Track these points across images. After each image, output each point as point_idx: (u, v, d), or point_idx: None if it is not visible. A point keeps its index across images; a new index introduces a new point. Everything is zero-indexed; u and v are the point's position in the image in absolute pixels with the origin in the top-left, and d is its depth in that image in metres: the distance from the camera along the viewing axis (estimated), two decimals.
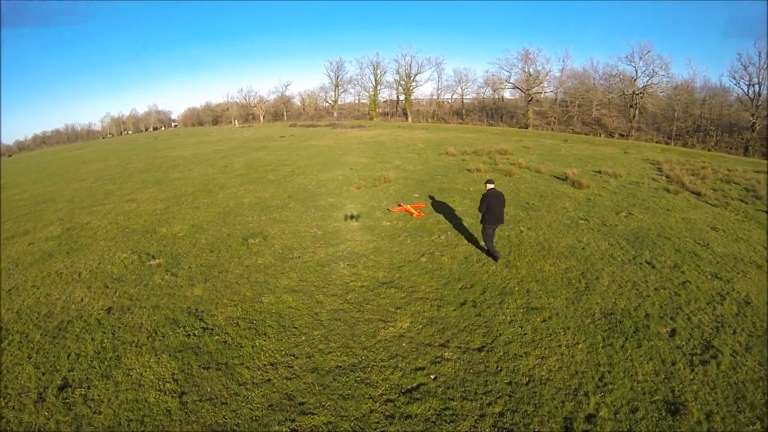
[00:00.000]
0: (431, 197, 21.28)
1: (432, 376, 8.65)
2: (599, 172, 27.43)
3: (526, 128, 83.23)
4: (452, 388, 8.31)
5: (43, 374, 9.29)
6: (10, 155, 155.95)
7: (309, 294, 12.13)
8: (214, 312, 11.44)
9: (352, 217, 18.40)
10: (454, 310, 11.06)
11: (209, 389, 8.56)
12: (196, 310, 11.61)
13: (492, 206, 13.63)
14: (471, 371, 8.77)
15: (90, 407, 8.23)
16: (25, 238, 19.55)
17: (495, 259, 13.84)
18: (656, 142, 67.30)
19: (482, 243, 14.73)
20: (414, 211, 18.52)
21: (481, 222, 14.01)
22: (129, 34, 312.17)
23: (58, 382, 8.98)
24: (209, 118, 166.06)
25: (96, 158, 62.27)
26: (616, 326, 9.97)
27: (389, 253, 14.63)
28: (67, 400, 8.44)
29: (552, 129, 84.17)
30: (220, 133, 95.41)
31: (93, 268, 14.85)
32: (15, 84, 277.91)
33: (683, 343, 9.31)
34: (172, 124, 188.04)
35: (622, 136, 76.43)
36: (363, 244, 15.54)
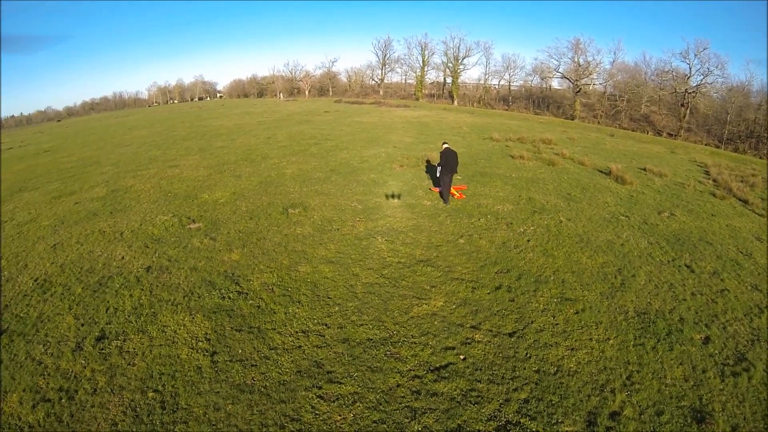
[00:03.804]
0: (473, 180, 20.96)
1: (461, 357, 8.59)
2: (644, 169, 26.50)
3: (572, 120, 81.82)
4: (480, 370, 8.25)
5: (82, 325, 9.53)
6: (59, 120, 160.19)
7: (345, 266, 12.12)
8: (250, 277, 11.53)
9: (393, 196, 18.28)
10: (489, 293, 10.92)
11: (240, 351, 8.65)
12: (233, 274, 11.72)
13: (448, 160, 17.25)
14: (500, 355, 8.68)
15: (125, 359, 8.42)
16: (71, 197, 20.12)
17: (445, 202, 17.52)
18: (705, 145, 65.00)
19: (436, 191, 18.79)
20: (456, 193, 18.39)
21: (439, 172, 17.56)
22: (179, 5, 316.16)
23: (96, 334, 9.20)
24: (254, 90, 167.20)
25: (141, 125, 63.59)
26: (649, 326, 9.70)
27: (428, 232, 14.50)
28: (103, 351, 8.65)
29: (598, 122, 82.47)
30: (264, 105, 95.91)
31: (135, 229, 15.13)
32: (66, 52, 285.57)
33: (716, 351, 8.96)
34: (217, 95, 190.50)
35: (670, 135, 74.34)
36: (402, 221, 15.44)
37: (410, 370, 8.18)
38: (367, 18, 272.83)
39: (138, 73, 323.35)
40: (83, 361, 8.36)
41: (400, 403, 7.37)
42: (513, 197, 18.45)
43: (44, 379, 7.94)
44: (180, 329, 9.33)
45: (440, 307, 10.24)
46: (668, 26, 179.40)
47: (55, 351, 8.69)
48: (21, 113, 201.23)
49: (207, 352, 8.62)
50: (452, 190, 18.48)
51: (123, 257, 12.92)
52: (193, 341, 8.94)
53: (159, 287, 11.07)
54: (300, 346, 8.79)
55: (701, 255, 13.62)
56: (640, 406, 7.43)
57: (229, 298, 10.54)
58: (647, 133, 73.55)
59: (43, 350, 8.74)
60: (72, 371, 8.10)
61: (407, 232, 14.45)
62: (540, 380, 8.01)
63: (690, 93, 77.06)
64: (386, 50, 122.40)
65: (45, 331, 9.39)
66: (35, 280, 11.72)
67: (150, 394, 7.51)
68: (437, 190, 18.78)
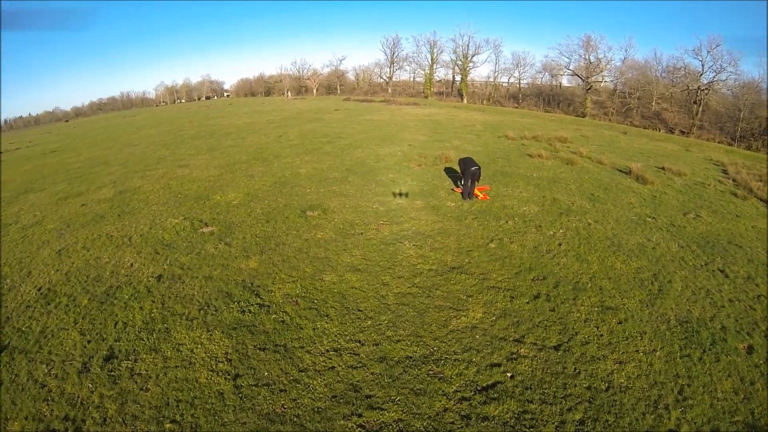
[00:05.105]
0: (494, 180, 20.32)
1: (509, 374, 8.00)
2: (663, 168, 25.77)
3: (583, 117, 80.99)
4: (530, 388, 7.68)
5: (89, 342, 8.85)
6: (67, 120, 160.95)
7: (374, 274, 11.40)
8: (271, 287, 10.81)
9: (401, 194, 17.88)
10: (528, 302, 10.27)
11: (266, 373, 7.92)
12: (252, 284, 11.01)
13: (466, 164, 17.65)
14: (549, 371, 8.09)
15: (137, 383, 7.71)
16: (78, 199, 19.52)
17: (462, 197, 17.82)
18: (718, 142, 64.06)
19: (458, 191, 18.78)
20: (479, 194, 17.80)
21: (462, 174, 18.21)
22: (185, 4, 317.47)
23: (104, 352, 8.51)
24: (262, 89, 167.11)
25: (149, 124, 63.37)
26: (693, 336, 9.19)
27: (456, 236, 13.80)
28: (112, 373, 7.94)
29: (610, 120, 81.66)
30: (272, 104, 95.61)
31: (144, 233, 14.46)
32: (74, 51, 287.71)
33: (761, 362, 8.45)
34: (225, 94, 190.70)
35: (682, 132, 73.25)
36: (428, 224, 14.75)
37: (456, 391, 7.55)
38: (375, 16, 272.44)
39: (145, 73, 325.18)
40: (90, 385, 7.61)
41: (449, 431, 6.73)
42: (537, 198, 17.81)
43: (48, 405, 7.22)
44: (197, 348, 8.57)
45: (480, 319, 9.56)
46: (680, 24, 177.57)
47: (60, 372, 7.97)
48: (29, 114, 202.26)
49: (228, 374, 7.87)
50: (476, 191, 18.01)
51: (132, 264, 12.21)
52: (212, 362, 8.18)
53: (172, 299, 10.34)
54: (333, 367, 8.04)
55: (733, 259, 12.96)
56: (695, 423, 7.04)
57: (250, 311, 9.79)
58: (659, 130, 72.61)
59: (46, 371, 8.02)
60: (78, 396, 7.37)
61: (435, 236, 13.74)
62: (593, 398, 7.51)
63: (702, 90, 75.91)
64: (395, 48, 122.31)
65: (48, 348, 8.68)
66: (39, 290, 11.03)
67: (167, 426, 6.77)
68: (459, 190, 18.33)
